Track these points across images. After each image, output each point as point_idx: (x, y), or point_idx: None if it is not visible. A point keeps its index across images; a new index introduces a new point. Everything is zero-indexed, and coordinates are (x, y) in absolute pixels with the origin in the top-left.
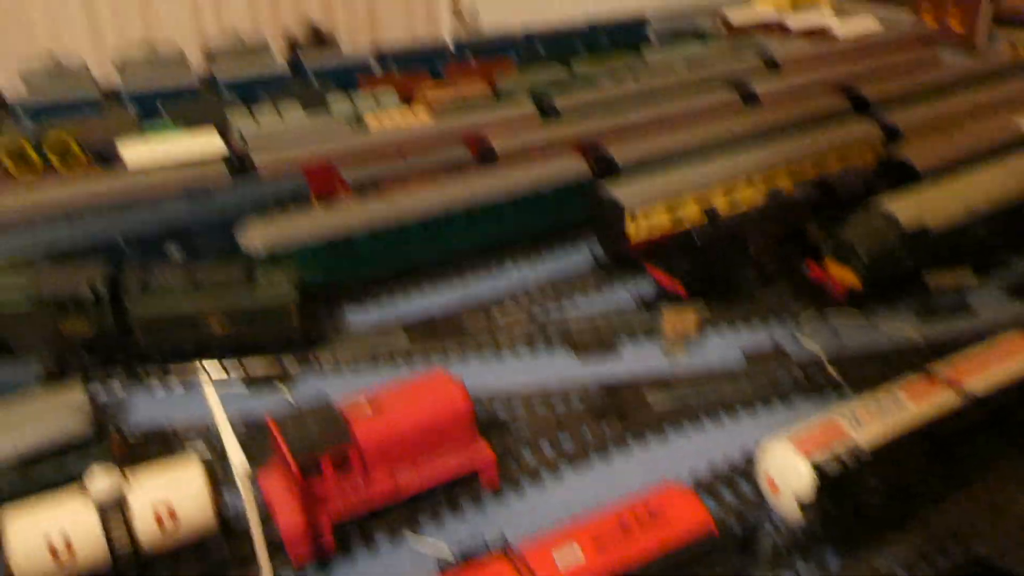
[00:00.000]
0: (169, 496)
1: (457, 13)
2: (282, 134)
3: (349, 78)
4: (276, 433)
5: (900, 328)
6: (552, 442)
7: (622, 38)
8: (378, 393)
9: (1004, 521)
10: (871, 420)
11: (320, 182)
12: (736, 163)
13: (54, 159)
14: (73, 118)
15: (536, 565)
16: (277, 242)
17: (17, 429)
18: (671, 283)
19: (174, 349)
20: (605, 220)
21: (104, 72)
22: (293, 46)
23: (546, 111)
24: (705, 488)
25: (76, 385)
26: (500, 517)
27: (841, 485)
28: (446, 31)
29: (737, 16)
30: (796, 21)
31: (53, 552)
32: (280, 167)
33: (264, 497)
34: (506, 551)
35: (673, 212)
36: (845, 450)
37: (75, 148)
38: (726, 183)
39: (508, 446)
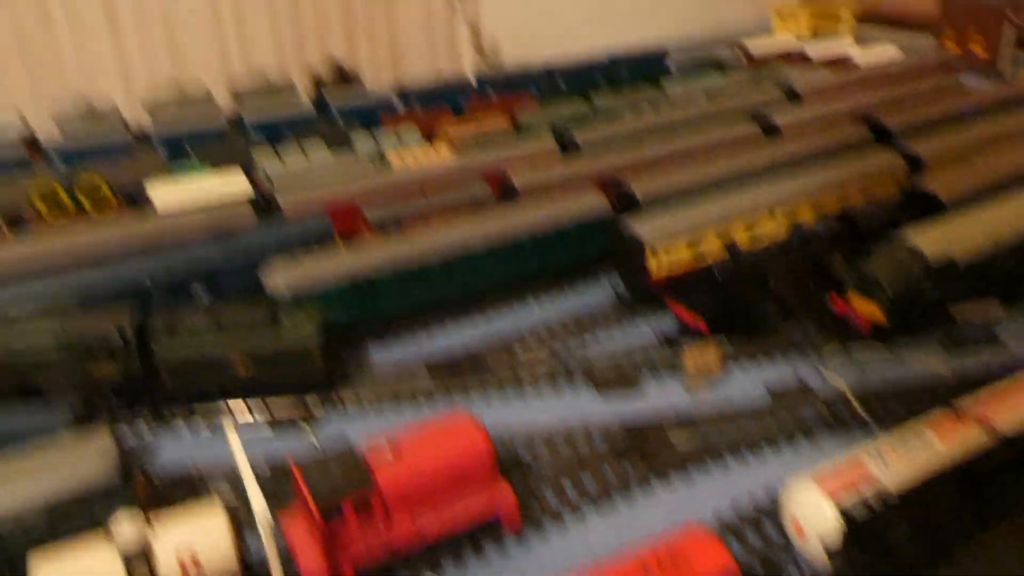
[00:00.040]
0: (193, 543)
1: (478, 48)
2: (306, 174)
3: (372, 116)
4: (298, 478)
5: (927, 362)
6: (574, 483)
7: (642, 70)
8: (400, 437)
9: None
10: (898, 460)
11: (344, 221)
12: (758, 196)
13: (85, 202)
14: (104, 161)
15: None
16: (301, 283)
17: (45, 476)
18: (693, 319)
19: (199, 391)
20: (626, 256)
21: (135, 113)
22: (318, 84)
23: (566, 146)
24: (729, 530)
25: (103, 430)
26: (523, 560)
27: (868, 530)
28: (468, 66)
29: (757, 46)
30: (816, 50)
31: None
32: (304, 207)
33: (287, 542)
34: None
35: (695, 247)
36: (872, 493)
37: (106, 191)
38: (748, 217)
39: (530, 487)
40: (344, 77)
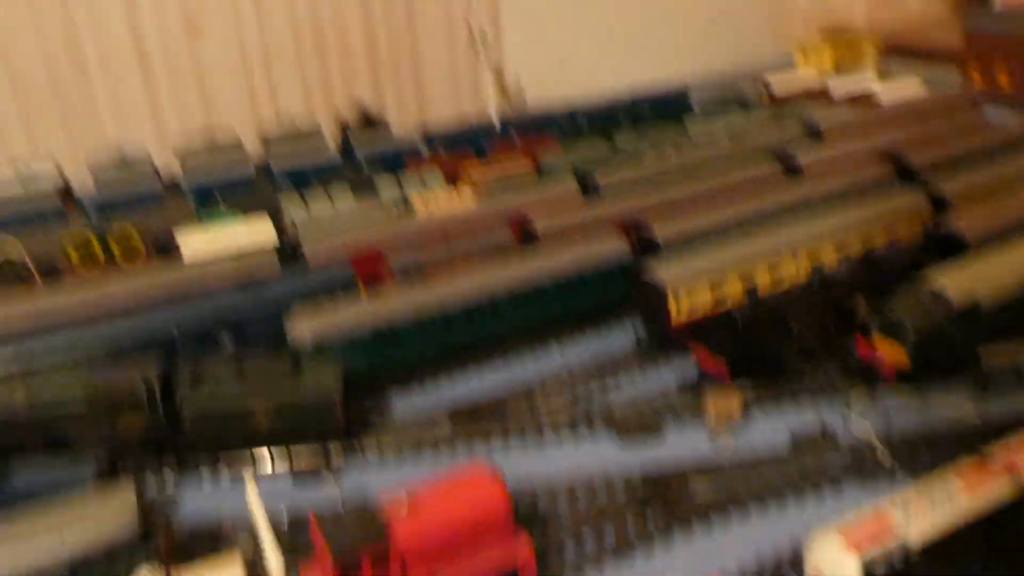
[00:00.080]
0: None
1: (502, 90)
2: (331, 221)
3: (398, 160)
4: (316, 531)
5: (954, 407)
6: (595, 533)
7: (665, 109)
8: (418, 490)
9: None
10: (924, 512)
11: (367, 269)
12: (780, 238)
13: (116, 252)
14: (136, 210)
15: None
16: (323, 333)
17: (67, 531)
18: (715, 364)
19: (222, 442)
20: (647, 300)
21: (167, 161)
22: (344, 129)
23: (588, 188)
24: None
25: (126, 484)
26: None
27: None
28: (492, 108)
29: (779, 83)
30: (839, 86)
31: None
32: (329, 255)
33: None
34: None
35: (716, 290)
36: (897, 545)
37: (137, 241)
38: (770, 259)
39: (550, 538)
40: (370, 121)
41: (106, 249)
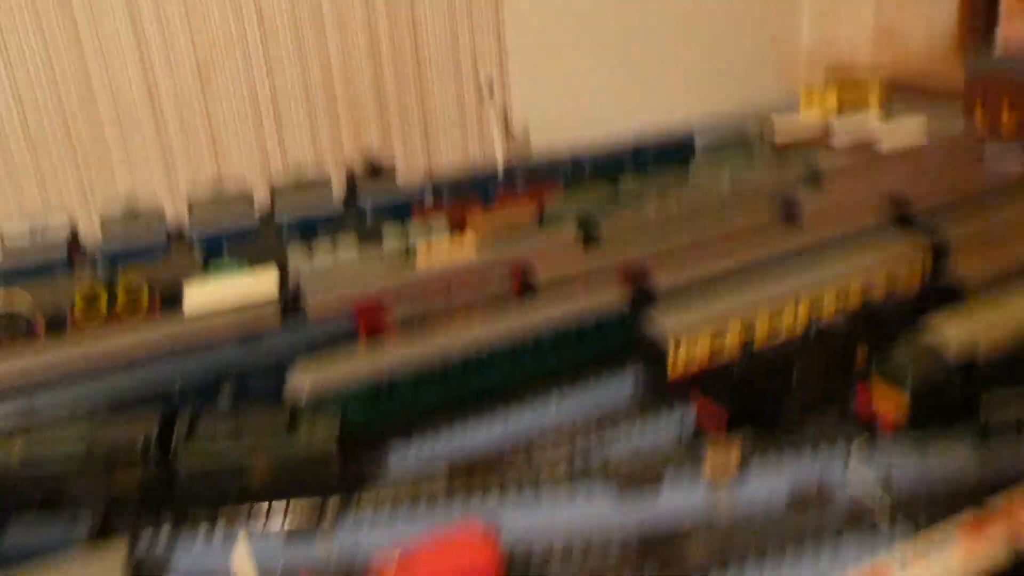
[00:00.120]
0: None
1: (509, 136)
2: (334, 272)
3: (404, 209)
4: None
5: (955, 460)
6: None
7: (669, 154)
8: (409, 549)
9: None
10: (924, 568)
11: (368, 320)
12: (780, 286)
13: (122, 304)
14: (144, 261)
15: None
16: (320, 386)
17: None
18: (713, 416)
19: (218, 498)
20: (647, 351)
21: (177, 210)
22: (351, 178)
23: (590, 236)
24: None
25: (119, 543)
26: None
27: None
28: (499, 153)
29: (782, 125)
30: (842, 128)
31: None
32: (330, 307)
33: None
34: None
35: (716, 341)
36: None
37: (143, 293)
38: (770, 308)
39: None
40: (377, 169)
41: (111, 301)
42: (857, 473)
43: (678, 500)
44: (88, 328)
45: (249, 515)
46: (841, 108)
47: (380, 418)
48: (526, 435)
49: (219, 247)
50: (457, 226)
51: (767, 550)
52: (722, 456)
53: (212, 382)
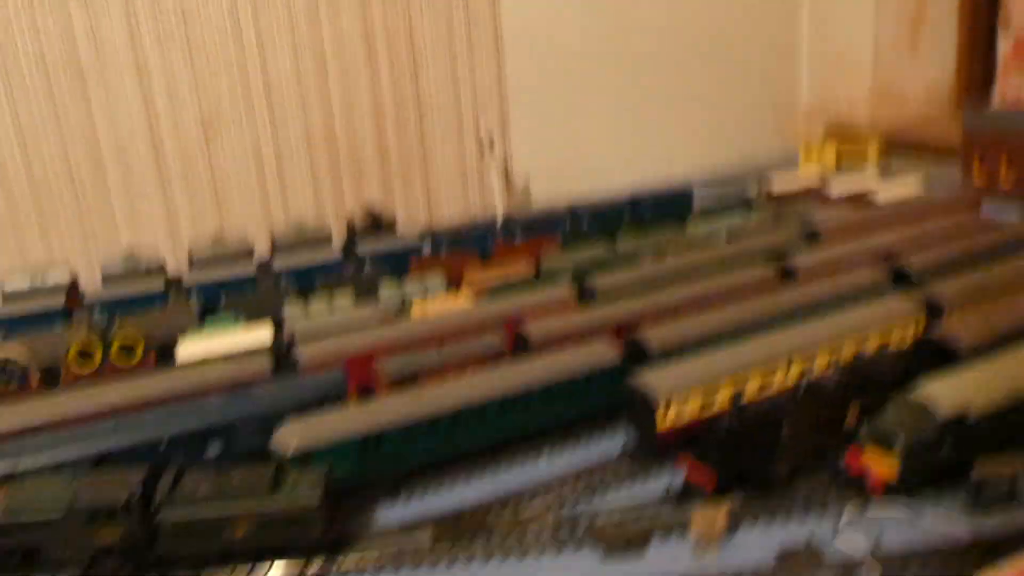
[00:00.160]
0: None
1: (509, 189)
2: (328, 326)
3: (402, 262)
4: None
5: (946, 523)
6: None
7: (667, 209)
8: None
9: None
10: None
11: (359, 375)
12: (773, 345)
13: (116, 356)
14: (141, 312)
15: None
16: (307, 441)
17: None
18: (702, 475)
19: (199, 554)
20: (637, 409)
21: (178, 262)
22: (351, 231)
23: (585, 292)
24: None
25: None
26: None
27: None
28: (499, 206)
29: (780, 182)
30: (839, 185)
31: None
32: (322, 361)
33: None
34: None
35: (707, 399)
36: None
37: (139, 345)
38: (762, 367)
39: None
40: (378, 222)
41: (106, 352)
42: (847, 535)
43: (664, 562)
44: (81, 379)
45: (232, 572)
46: (840, 164)
47: (367, 474)
48: (514, 492)
49: (217, 297)
50: (454, 280)
51: None
52: (710, 516)
53: (201, 435)
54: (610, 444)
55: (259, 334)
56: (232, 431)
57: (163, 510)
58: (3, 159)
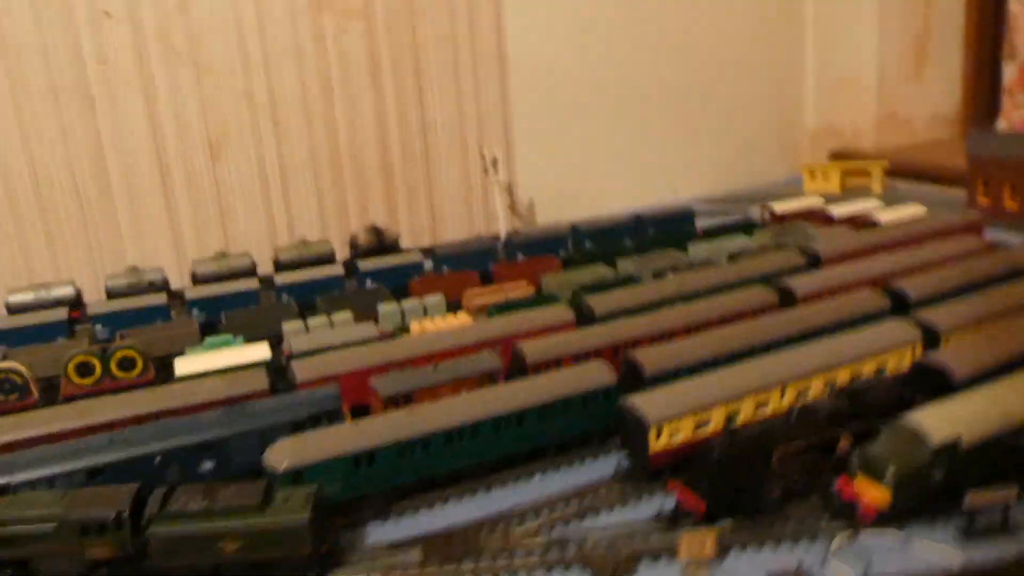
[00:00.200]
0: None
1: (512, 210)
2: (327, 345)
3: (403, 281)
4: None
5: (936, 552)
6: None
7: (669, 231)
8: None
9: None
10: None
11: (353, 392)
12: (769, 370)
13: (116, 371)
14: (141, 328)
15: None
16: (298, 459)
17: None
18: (692, 500)
19: (188, 569)
20: (630, 433)
21: (181, 278)
22: (354, 250)
23: (583, 314)
24: None
25: None
26: None
27: None
28: (503, 226)
29: (783, 206)
30: (842, 210)
31: None
32: (318, 378)
33: None
34: None
35: (700, 424)
36: None
37: (138, 360)
38: (757, 392)
39: None
40: (381, 242)
41: (105, 367)
42: (837, 562)
43: None
44: (81, 393)
45: None
46: (844, 187)
47: (358, 493)
48: (505, 512)
49: (218, 313)
50: (453, 299)
51: None
52: (699, 541)
53: (196, 451)
54: (603, 466)
55: (257, 350)
56: (226, 447)
57: (153, 525)
58: (12, 175)
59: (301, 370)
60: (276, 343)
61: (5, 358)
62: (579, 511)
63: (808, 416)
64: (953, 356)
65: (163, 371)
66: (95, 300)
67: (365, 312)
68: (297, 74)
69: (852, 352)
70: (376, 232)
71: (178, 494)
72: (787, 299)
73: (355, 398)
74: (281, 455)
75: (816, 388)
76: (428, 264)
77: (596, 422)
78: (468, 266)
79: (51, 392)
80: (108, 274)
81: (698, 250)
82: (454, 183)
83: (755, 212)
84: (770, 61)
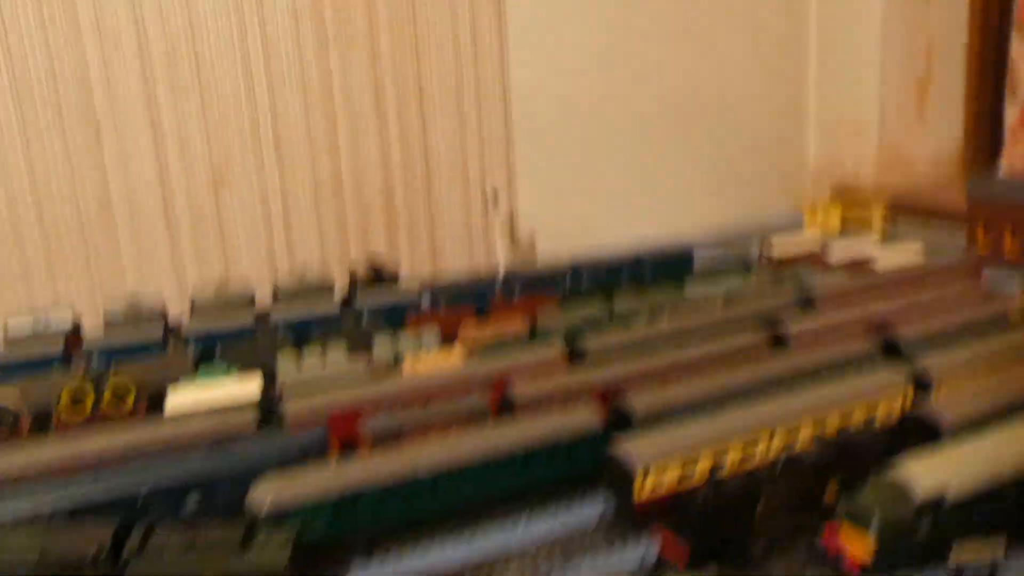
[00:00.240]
0: None
1: (514, 243)
2: (317, 380)
3: (400, 315)
4: None
5: None
6: None
7: (668, 269)
8: None
9: None
10: None
11: (342, 431)
12: (757, 415)
13: (107, 405)
14: (136, 360)
15: None
16: (282, 500)
17: None
18: (676, 548)
19: None
20: (615, 477)
21: (181, 310)
22: (353, 283)
23: (575, 353)
24: None
25: None
26: None
27: None
28: (502, 261)
29: (781, 245)
30: (840, 250)
31: None
32: (307, 417)
33: None
34: None
35: (686, 470)
36: None
37: (130, 393)
38: (745, 438)
39: None
40: (380, 275)
41: (97, 400)
42: None
43: None
44: (70, 427)
45: None
46: (844, 227)
47: (342, 534)
48: (489, 556)
49: (213, 347)
50: (449, 336)
51: None
52: None
53: (180, 489)
54: (588, 511)
55: (248, 386)
56: (212, 486)
57: (131, 565)
58: (15, 203)
59: (290, 408)
60: (269, 377)
61: None
62: (563, 556)
63: (794, 466)
64: (944, 405)
65: (156, 405)
66: (93, 331)
67: (359, 347)
68: (302, 104)
69: (840, 398)
70: (375, 266)
71: (157, 533)
72: (779, 342)
73: (342, 437)
74: (264, 495)
75: (804, 434)
76: (425, 300)
77: (582, 467)
78: (465, 302)
79: (42, 426)
80: (106, 306)
81: (694, 289)
82: (455, 216)
83: (754, 251)
84: (773, 100)
